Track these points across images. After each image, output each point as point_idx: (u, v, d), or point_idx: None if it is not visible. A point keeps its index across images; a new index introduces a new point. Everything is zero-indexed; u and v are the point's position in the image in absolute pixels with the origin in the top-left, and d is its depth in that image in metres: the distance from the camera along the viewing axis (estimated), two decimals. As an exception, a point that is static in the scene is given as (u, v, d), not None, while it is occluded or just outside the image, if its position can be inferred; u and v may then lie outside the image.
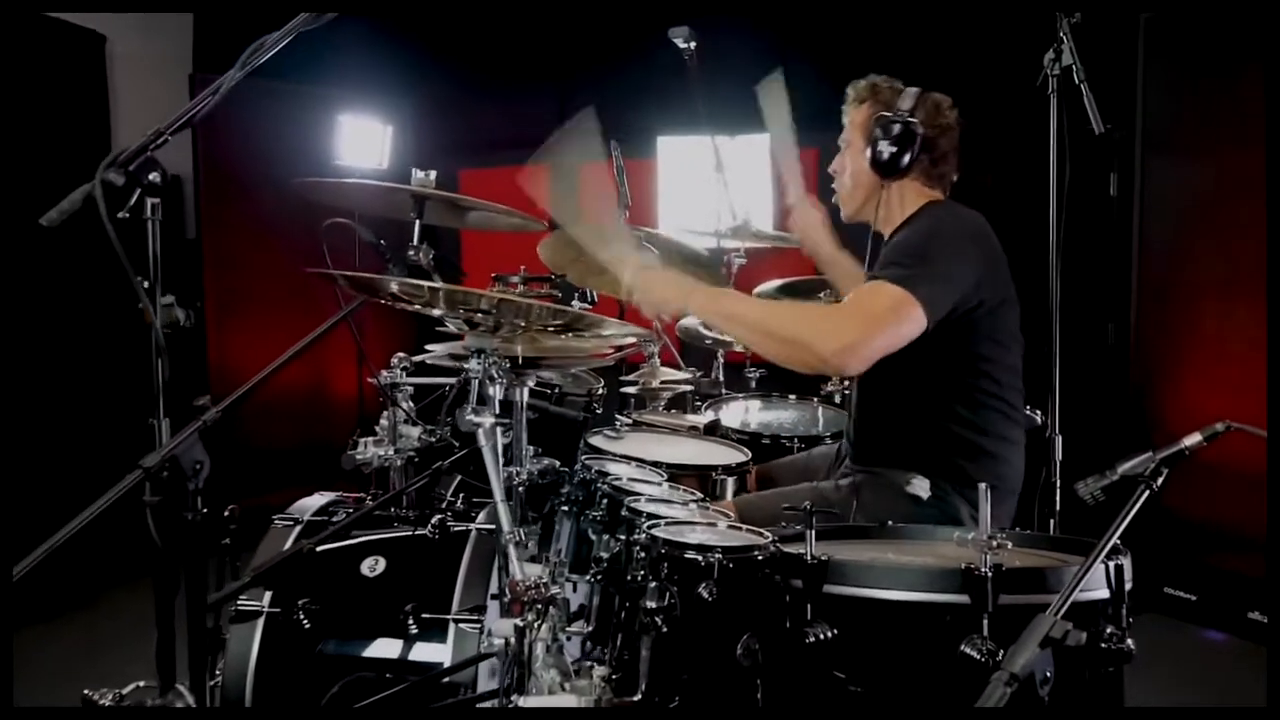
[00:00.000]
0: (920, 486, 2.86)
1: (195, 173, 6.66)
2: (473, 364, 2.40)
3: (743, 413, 4.27)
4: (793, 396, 4.38)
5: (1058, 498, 3.18)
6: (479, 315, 2.35)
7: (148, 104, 6.21)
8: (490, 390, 2.44)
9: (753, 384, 4.64)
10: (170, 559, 2.27)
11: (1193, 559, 5.09)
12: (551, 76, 7.33)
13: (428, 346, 3.42)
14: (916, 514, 2.82)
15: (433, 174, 2.93)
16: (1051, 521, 3.18)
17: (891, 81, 3.07)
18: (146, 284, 2.18)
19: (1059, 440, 3.24)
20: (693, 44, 4.00)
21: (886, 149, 2.90)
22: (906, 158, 2.90)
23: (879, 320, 2.61)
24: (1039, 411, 3.70)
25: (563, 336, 2.55)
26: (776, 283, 4.86)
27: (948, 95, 3.03)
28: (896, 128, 2.89)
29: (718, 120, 4.30)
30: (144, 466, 2.09)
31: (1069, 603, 1.72)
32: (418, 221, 2.98)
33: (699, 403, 4.25)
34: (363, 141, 6.72)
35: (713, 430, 3.83)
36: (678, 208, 6.57)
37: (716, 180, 4.63)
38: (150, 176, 2.26)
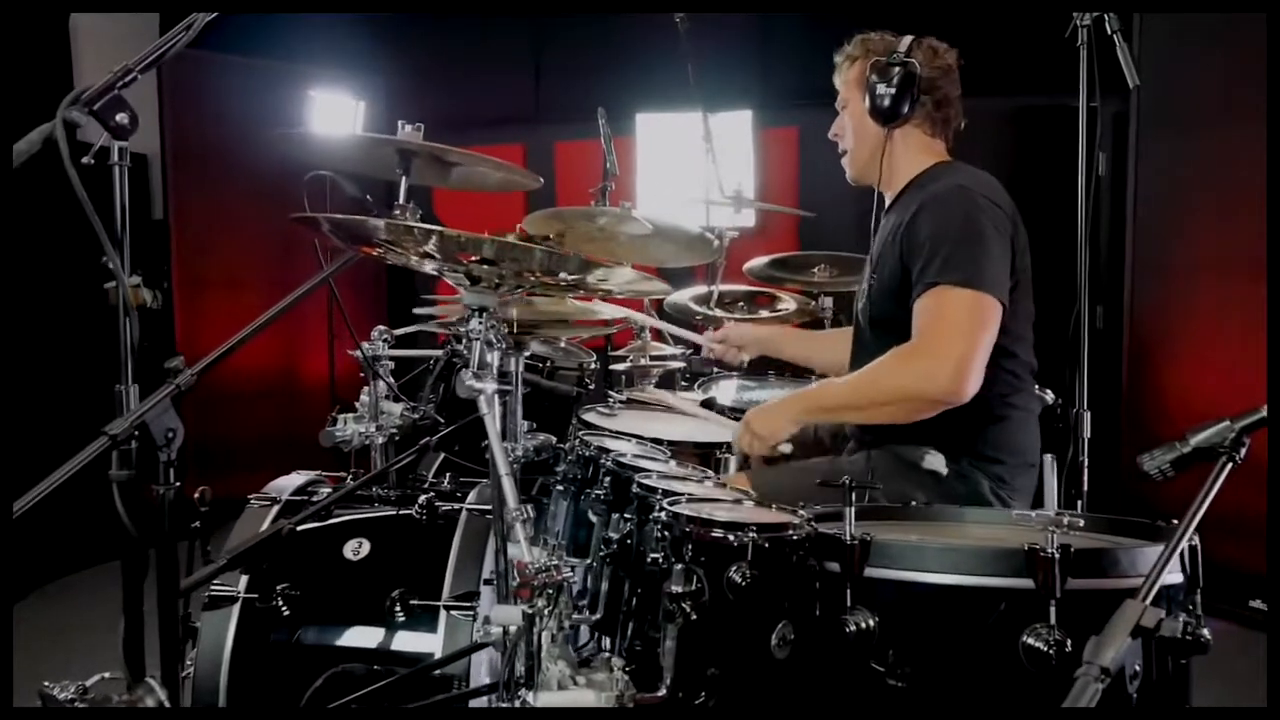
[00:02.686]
0: (935, 461, 2.71)
1: (162, 152, 6.52)
2: (473, 324, 2.18)
3: (735, 391, 4.09)
4: (787, 374, 4.21)
5: (1085, 477, 3.02)
6: (481, 267, 2.13)
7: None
8: (489, 356, 2.23)
9: (744, 363, 4.48)
10: (140, 540, 2.06)
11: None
12: (528, 52, 7.22)
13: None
14: (937, 490, 2.68)
15: (420, 126, 2.73)
16: (1079, 502, 3.01)
17: (881, 34, 2.92)
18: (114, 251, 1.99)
19: (1087, 416, 3.07)
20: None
21: (886, 93, 2.78)
22: (908, 101, 2.78)
23: (967, 334, 2.53)
24: (1049, 391, 3.56)
25: (569, 295, 2.34)
26: (765, 259, 4.74)
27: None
28: (895, 70, 2.77)
29: (704, 92, 4.15)
30: (109, 434, 1.88)
31: (1156, 587, 1.53)
32: (404, 179, 2.77)
33: (685, 381, 4.12)
34: (335, 117, 6.52)
35: (708, 407, 3.65)
36: (658, 185, 6.43)
37: (705, 152, 4.50)
38: (118, 117, 2.06)
